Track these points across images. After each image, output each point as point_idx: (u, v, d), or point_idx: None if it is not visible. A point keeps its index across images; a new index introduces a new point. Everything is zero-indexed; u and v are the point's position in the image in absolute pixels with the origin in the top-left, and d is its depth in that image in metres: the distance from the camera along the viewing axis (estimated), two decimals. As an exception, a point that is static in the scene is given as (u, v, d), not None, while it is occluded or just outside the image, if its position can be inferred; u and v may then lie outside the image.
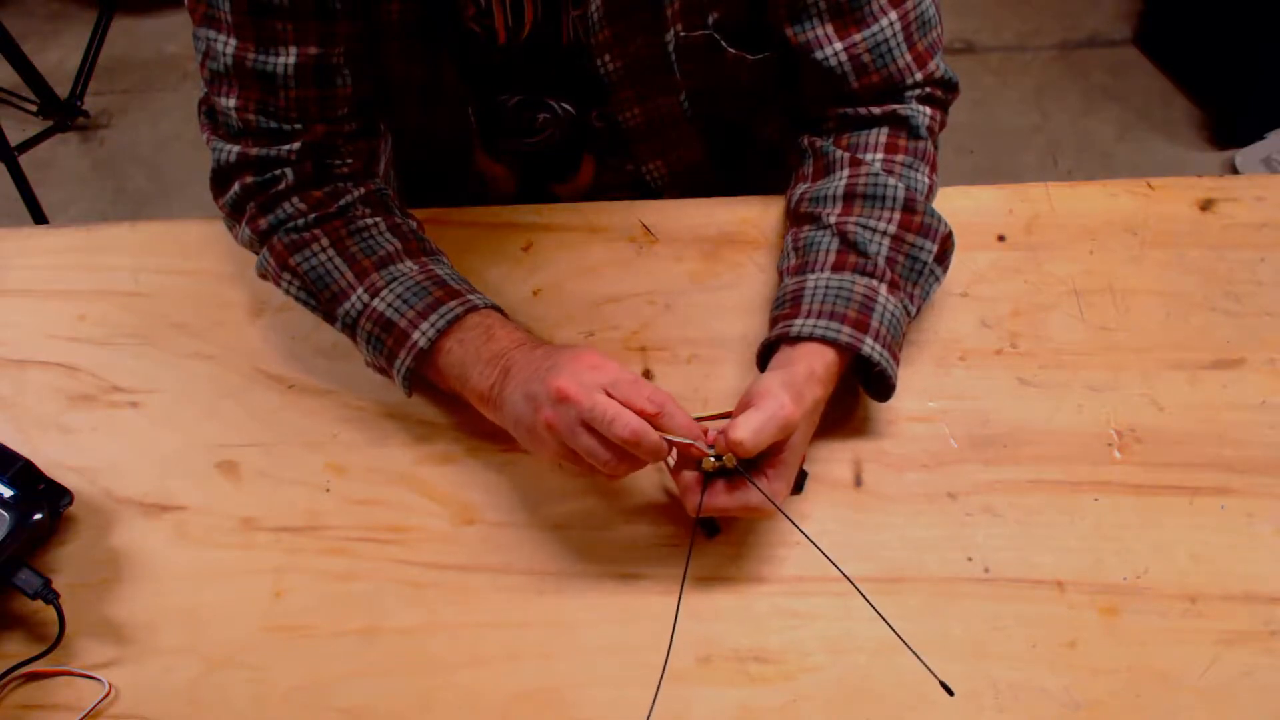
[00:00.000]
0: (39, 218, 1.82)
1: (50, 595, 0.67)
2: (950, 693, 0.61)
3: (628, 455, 0.62)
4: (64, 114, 2.04)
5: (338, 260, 0.73)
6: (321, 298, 0.74)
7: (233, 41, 0.70)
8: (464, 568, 0.71)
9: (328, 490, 0.75)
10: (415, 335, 0.70)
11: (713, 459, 0.64)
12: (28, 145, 1.88)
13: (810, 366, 0.67)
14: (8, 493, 0.70)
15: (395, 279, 0.72)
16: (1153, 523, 0.70)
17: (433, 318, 0.70)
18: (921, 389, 0.75)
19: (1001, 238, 0.84)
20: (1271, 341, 0.78)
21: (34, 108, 2.01)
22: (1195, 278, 0.81)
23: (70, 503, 0.73)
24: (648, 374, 0.79)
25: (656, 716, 0.64)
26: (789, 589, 0.69)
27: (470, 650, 0.68)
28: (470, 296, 0.72)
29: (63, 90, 2.03)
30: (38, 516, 0.69)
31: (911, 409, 0.75)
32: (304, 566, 0.71)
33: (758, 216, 0.86)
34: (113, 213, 2.01)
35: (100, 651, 0.69)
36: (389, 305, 0.71)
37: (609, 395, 0.62)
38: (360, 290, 0.72)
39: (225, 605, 0.70)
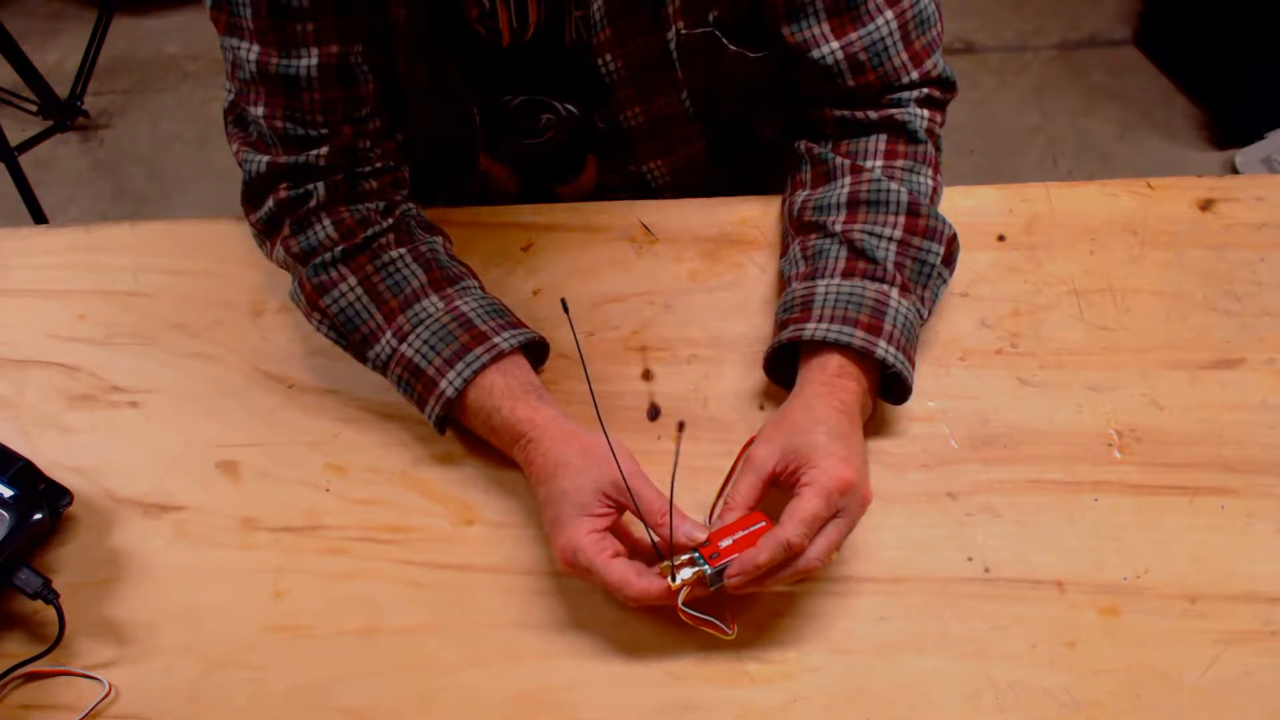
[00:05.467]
0: (39, 218, 1.82)
1: (50, 595, 0.67)
2: None
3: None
4: (64, 114, 2.03)
5: (365, 300, 0.73)
6: (352, 340, 0.75)
7: (255, 48, 0.70)
8: (464, 568, 0.71)
9: (328, 490, 0.75)
10: (443, 384, 0.70)
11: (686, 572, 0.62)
12: (28, 145, 1.88)
13: (841, 399, 0.68)
14: (8, 493, 0.70)
15: (421, 321, 0.72)
16: (1153, 523, 0.70)
17: (459, 366, 0.70)
18: (921, 389, 0.75)
19: (1001, 238, 0.84)
20: (1271, 341, 0.78)
21: (34, 108, 2.01)
22: (1195, 278, 0.81)
23: (70, 503, 0.73)
24: (647, 374, 0.79)
25: (656, 718, 0.64)
26: (789, 588, 0.69)
27: (470, 650, 0.68)
28: (495, 339, 0.71)
29: (63, 90, 2.03)
30: (38, 516, 0.69)
31: (911, 409, 0.75)
32: (304, 566, 0.71)
33: (758, 216, 0.86)
34: (113, 213, 2.01)
35: (100, 651, 0.69)
36: (416, 351, 0.71)
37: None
38: (389, 334, 0.72)
39: (225, 605, 0.70)
